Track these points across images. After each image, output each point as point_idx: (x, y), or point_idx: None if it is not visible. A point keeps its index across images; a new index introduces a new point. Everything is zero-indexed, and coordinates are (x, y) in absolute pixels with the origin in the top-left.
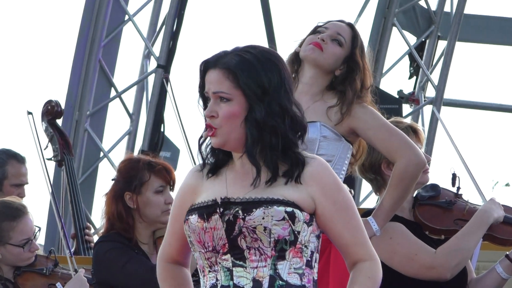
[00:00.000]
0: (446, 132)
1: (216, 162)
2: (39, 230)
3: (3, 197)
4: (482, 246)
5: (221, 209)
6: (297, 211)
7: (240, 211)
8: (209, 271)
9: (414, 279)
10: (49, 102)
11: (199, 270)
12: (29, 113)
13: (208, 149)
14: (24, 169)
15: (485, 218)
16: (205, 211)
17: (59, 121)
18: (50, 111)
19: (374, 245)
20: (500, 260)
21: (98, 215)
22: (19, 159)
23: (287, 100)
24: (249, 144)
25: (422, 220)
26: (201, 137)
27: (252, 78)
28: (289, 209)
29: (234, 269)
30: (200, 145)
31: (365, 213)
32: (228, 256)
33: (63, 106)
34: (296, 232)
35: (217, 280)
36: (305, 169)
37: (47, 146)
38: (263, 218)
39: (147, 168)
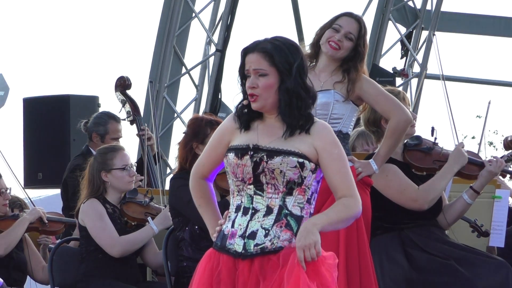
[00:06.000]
0: (446, 98)
1: (248, 120)
2: (136, 164)
3: None
4: (453, 180)
5: (251, 152)
6: (306, 162)
7: (265, 156)
8: (237, 194)
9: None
10: (122, 77)
11: (230, 193)
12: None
13: (244, 111)
14: (120, 126)
15: (453, 167)
16: (240, 151)
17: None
18: (122, 84)
19: (374, 179)
20: (466, 190)
21: (172, 159)
22: (117, 119)
23: (305, 75)
24: (283, 107)
25: (409, 161)
26: (239, 104)
27: (283, 58)
28: (300, 160)
29: (254, 196)
30: (237, 109)
31: (368, 156)
32: (251, 186)
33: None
34: (303, 177)
35: (241, 202)
36: (313, 127)
37: (120, 110)
38: (281, 164)
39: (209, 124)
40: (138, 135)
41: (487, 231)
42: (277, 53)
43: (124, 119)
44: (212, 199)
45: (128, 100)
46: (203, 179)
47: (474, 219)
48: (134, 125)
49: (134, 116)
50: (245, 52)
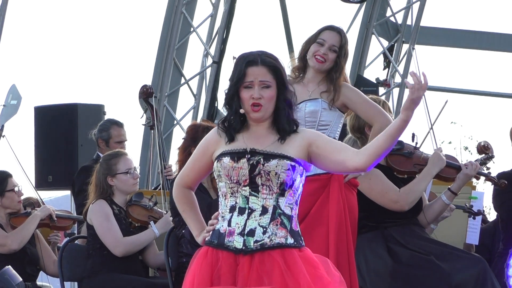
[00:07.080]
0: (426, 110)
1: (233, 132)
2: (138, 167)
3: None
4: (432, 182)
5: (249, 155)
6: (297, 166)
7: (261, 159)
8: (230, 196)
9: (385, 208)
10: (145, 85)
11: (220, 195)
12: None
13: (231, 123)
14: (122, 131)
15: (432, 170)
16: (236, 155)
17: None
18: (145, 92)
19: (360, 182)
20: (444, 192)
21: (172, 162)
22: (119, 124)
23: (289, 84)
24: (281, 116)
25: (391, 165)
26: (223, 120)
27: (280, 71)
28: (293, 163)
29: (250, 197)
30: (222, 124)
31: None
32: (247, 188)
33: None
34: (294, 179)
35: (236, 202)
36: (299, 129)
37: (142, 116)
38: (276, 166)
39: (206, 131)
40: (162, 173)
41: (480, 210)
42: (278, 68)
43: (144, 124)
44: (195, 204)
45: (149, 107)
46: (186, 188)
47: (465, 204)
48: (154, 130)
49: (154, 121)
50: (248, 64)
